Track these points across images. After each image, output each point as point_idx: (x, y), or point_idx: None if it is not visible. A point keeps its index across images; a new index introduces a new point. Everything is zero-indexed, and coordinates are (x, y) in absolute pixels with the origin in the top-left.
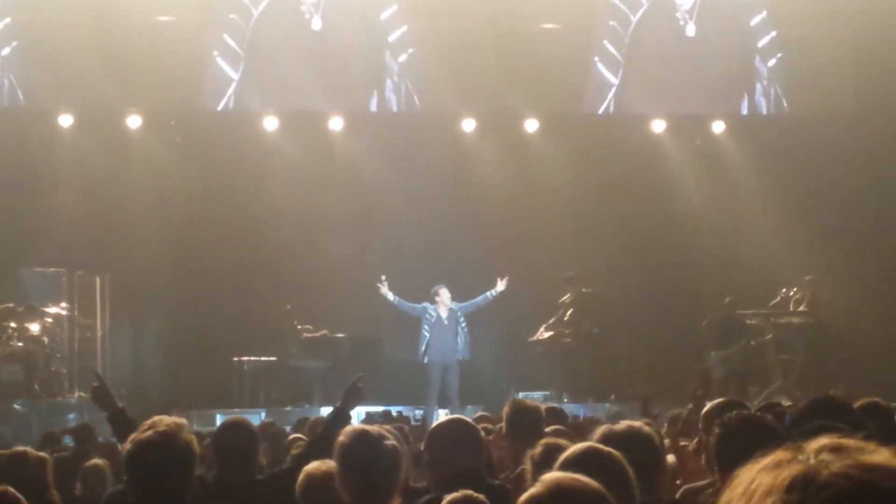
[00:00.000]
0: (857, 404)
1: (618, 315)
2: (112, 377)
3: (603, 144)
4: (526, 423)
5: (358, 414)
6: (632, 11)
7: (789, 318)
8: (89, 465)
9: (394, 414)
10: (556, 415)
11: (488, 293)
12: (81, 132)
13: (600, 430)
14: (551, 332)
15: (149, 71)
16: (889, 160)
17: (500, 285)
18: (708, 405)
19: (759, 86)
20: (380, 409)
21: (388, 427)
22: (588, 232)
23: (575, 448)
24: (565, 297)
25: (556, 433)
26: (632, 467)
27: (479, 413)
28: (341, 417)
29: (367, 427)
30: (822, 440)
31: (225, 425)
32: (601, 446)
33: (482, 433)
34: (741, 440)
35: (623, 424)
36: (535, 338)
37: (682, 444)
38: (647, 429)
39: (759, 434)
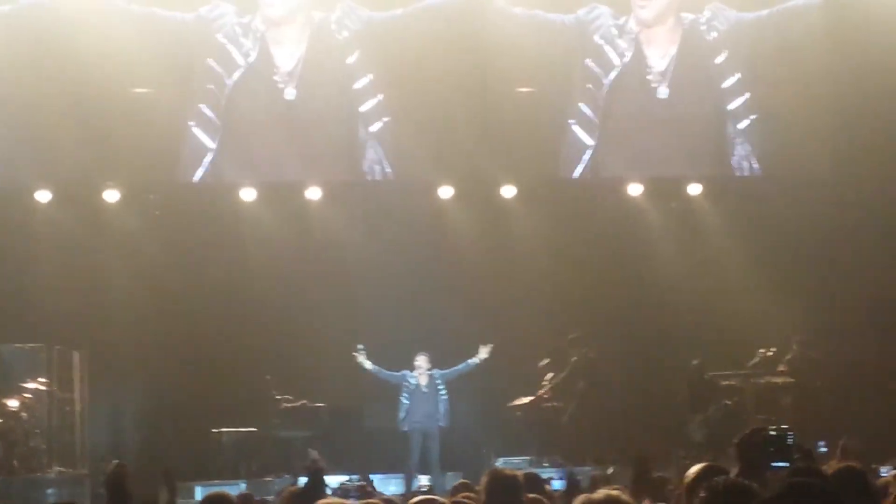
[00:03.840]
0: (832, 469)
1: (598, 378)
2: (91, 452)
3: (581, 209)
4: (505, 494)
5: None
6: (605, 74)
7: (769, 378)
8: None
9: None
10: (533, 482)
11: (470, 361)
12: (59, 207)
13: (580, 500)
14: (530, 398)
15: (126, 144)
16: (864, 221)
17: (483, 353)
18: (691, 470)
19: (735, 148)
20: (355, 479)
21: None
22: (567, 296)
23: None
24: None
25: (534, 502)
26: None
27: (460, 481)
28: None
29: (337, 501)
30: None
31: (206, 501)
32: None
33: None
34: None
35: (601, 493)
36: (515, 403)
37: None
38: (625, 497)
39: (744, 500)
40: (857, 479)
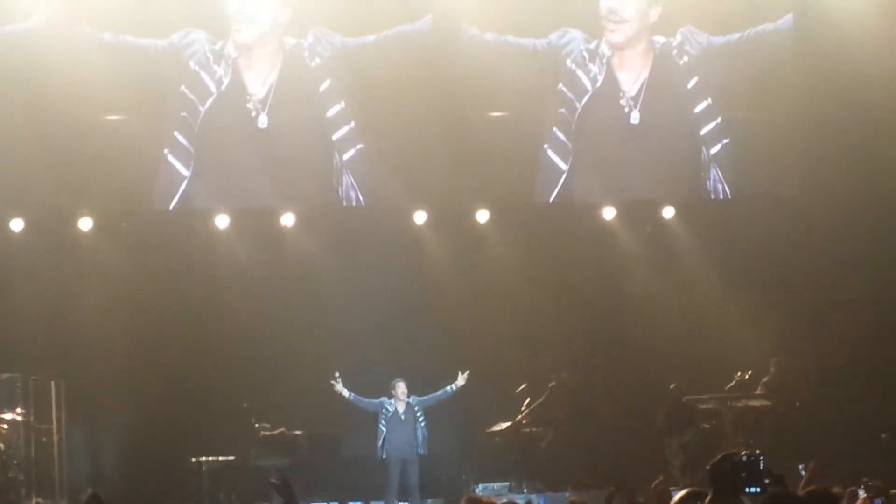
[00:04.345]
0: (803, 491)
1: (576, 403)
2: (69, 482)
3: (555, 233)
4: None
5: None
6: (577, 98)
7: (746, 401)
8: None
9: None
10: None
11: (449, 387)
12: (33, 235)
13: None
14: (509, 423)
15: (99, 171)
16: (836, 243)
17: (461, 380)
18: (675, 496)
19: (708, 171)
20: None
21: None
22: (543, 321)
23: None
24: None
25: None
26: None
27: None
28: None
29: None
30: None
31: None
32: None
33: None
34: None
35: None
36: (494, 429)
37: None
38: None
39: None
40: (828, 503)
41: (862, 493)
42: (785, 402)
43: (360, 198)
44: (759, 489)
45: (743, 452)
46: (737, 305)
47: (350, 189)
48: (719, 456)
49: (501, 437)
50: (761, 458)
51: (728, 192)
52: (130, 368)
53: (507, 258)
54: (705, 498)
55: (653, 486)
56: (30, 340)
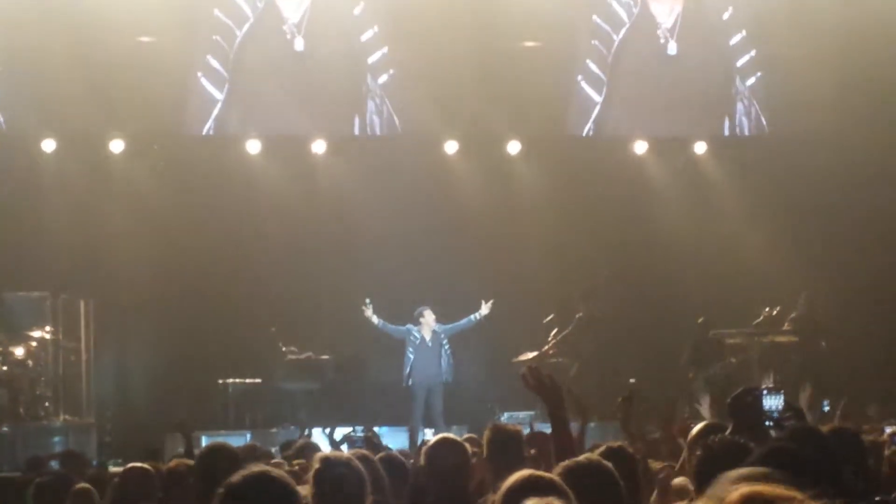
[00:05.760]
0: (826, 428)
1: (603, 335)
2: (96, 400)
3: (585, 166)
4: (506, 448)
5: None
6: (614, 30)
7: (774, 337)
8: (78, 489)
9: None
10: (543, 439)
11: (472, 316)
12: (64, 156)
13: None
14: (535, 353)
15: (131, 94)
16: (870, 178)
17: (484, 308)
18: (695, 428)
19: (740, 105)
20: (359, 429)
21: (360, 452)
22: (571, 253)
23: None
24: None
25: (536, 458)
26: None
27: (466, 435)
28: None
29: (335, 453)
30: (743, 488)
31: (206, 450)
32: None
33: (469, 452)
34: (722, 464)
35: (583, 458)
36: (520, 358)
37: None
38: (605, 462)
39: (741, 458)
40: (852, 441)
41: (889, 430)
42: (813, 338)
43: (395, 121)
44: (778, 423)
45: (764, 386)
46: (767, 241)
47: (380, 115)
48: (739, 389)
49: (527, 367)
50: (780, 392)
51: (763, 124)
52: (159, 289)
53: (536, 190)
54: (723, 431)
55: (678, 420)
56: (60, 260)
